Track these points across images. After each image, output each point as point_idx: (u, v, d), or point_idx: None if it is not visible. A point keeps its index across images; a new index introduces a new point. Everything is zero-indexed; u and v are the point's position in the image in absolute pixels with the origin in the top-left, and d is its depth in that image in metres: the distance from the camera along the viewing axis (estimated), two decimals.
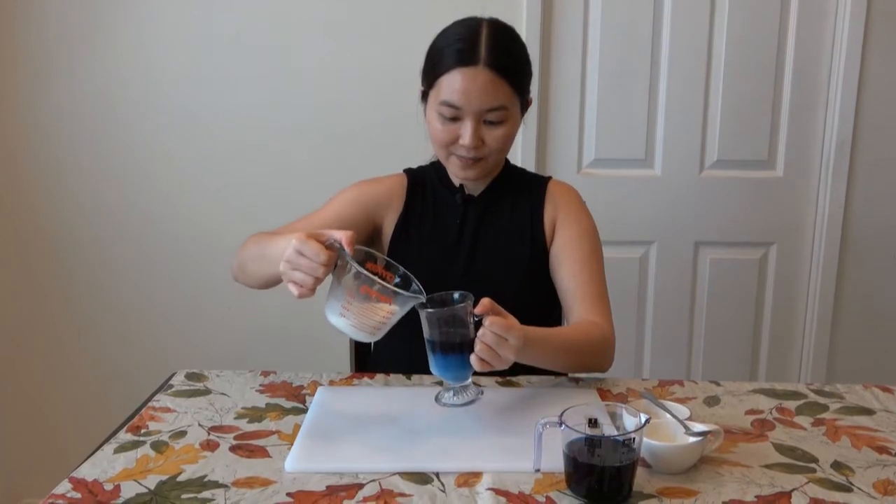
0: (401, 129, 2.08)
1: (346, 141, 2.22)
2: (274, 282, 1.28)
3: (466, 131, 1.29)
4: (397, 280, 1.07)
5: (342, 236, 1.06)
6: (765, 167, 2.26)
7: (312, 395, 1.25)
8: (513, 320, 1.08)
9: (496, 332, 1.05)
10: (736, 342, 2.35)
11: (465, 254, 1.40)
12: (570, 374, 1.40)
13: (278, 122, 2.22)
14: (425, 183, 1.46)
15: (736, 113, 2.22)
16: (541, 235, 1.41)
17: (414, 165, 1.50)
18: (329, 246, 1.06)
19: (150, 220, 2.28)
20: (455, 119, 1.30)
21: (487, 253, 1.40)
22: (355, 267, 1.02)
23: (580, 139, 2.25)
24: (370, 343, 1.60)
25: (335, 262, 1.06)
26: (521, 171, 1.50)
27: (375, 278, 1.02)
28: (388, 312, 1.05)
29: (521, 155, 2.19)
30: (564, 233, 1.40)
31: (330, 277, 1.08)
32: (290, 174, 2.21)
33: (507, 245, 1.41)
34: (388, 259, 1.10)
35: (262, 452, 1.06)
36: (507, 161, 1.46)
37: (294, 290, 1.07)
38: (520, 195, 1.44)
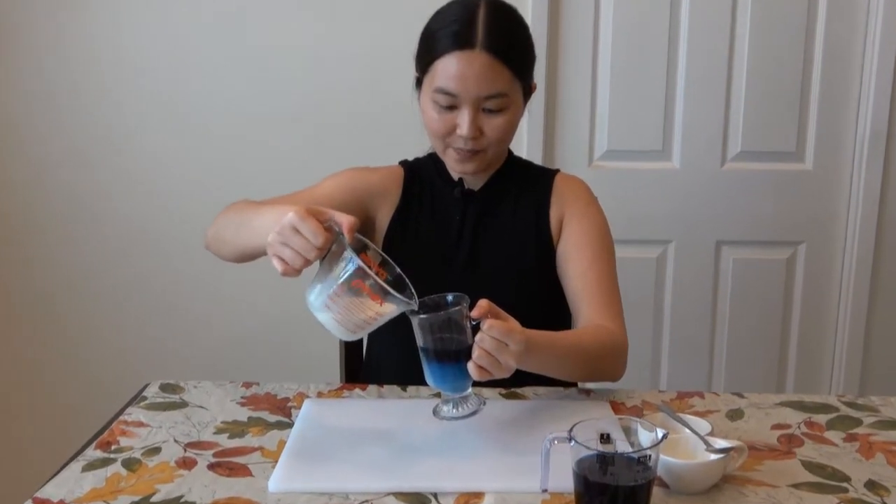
0: (395, 119, 2.08)
1: (335, 132, 2.22)
2: (251, 254, 1.26)
3: (464, 120, 1.29)
4: (389, 280, 1.06)
5: (344, 220, 1.06)
6: (793, 159, 2.27)
7: (299, 408, 1.25)
8: (513, 323, 1.08)
9: (495, 336, 1.05)
10: (761, 350, 2.35)
11: (464, 253, 1.40)
12: (580, 386, 1.41)
13: (262, 113, 2.22)
14: (422, 176, 1.46)
15: (761, 100, 2.22)
16: (547, 233, 1.41)
17: (410, 157, 1.50)
18: (328, 228, 1.05)
19: (122, 216, 2.28)
20: (451, 107, 1.30)
21: (489, 252, 1.40)
22: (353, 258, 1.01)
23: (591, 129, 2.25)
24: (362, 352, 1.60)
25: (330, 247, 1.05)
26: (526, 164, 1.50)
27: (371, 273, 1.01)
28: (377, 313, 1.04)
29: (527, 146, 2.19)
30: (573, 230, 1.40)
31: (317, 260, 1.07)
32: (276, 169, 2.21)
33: (510, 243, 1.41)
34: (384, 255, 1.09)
35: (243, 471, 1.06)
36: (510, 153, 1.46)
37: (279, 266, 1.06)
38: (524, 189, 1.44)
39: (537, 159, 2.15)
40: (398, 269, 1.08)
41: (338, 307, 1.03)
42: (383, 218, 1.43)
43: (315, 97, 2.21)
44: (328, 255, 1.05)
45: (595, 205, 1.45)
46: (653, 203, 2.27)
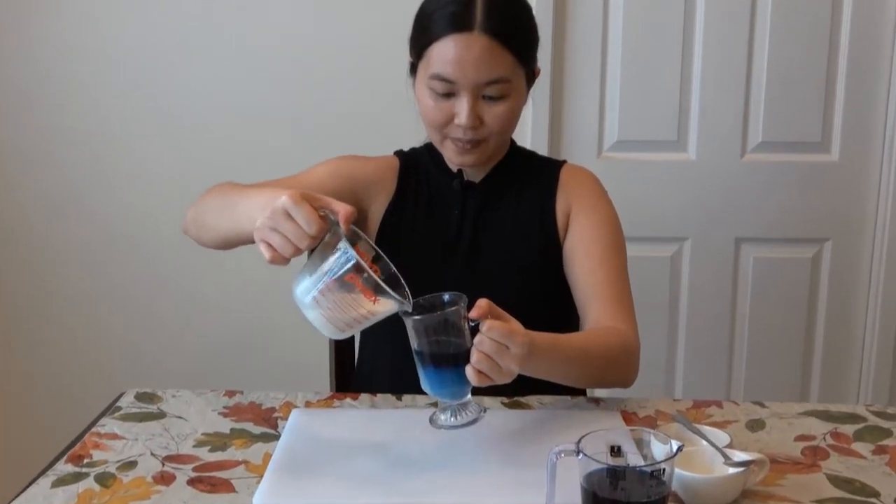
0: (389, 109, 2.07)
1: (325, 123, 2.21)
2: (235, 240, 1.25)
3: (462, 109, 1.29)
4: (382, 278, 1.06)
5: (341, 209, 1.05)
6: (818, 150, 2.27)
7: (286, 418, 1.25)
8: (515, 324, 1.08)
9: (495, 338, 1.04)
10: (784, 356, 2.35)
11: (463, 250, 1.40)
12: (588, 394, 1.41)
13: (248, 105, 2.22)
14: (419, 167, 1.46)
15: (784, 86, 2.22)
16: (552, 228, 1.41)
17: (405, 148, 1.50)
18: (322, 216, 1.05)
19: (94, 214, 2.28)
20: (449, 95, 1.30)
21: (490, 249, 1.40)
22: (348, 250, 1.01)
23: (600, 117, 2.25)
24: (354, 358, 1.60)
25: (323, 237, 1.05)
26: (530, 155, 1.50)
27: (367, 268, 1.01)
28: (369, 312, 1.04)
29: (531, 136, 2.19)
30: (580, 224, 1.40)
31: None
32: (262, 163, 2.17)
33: (512, 239, 1.41)
34: (378, 250, 1.09)
35: (226, 486, 1.06)
36: (512, 142, 1.46)
37: (266, 253, 1.06)
38: (528, 182, 1.44)
39: (542, 150, 2.15)
40: (393, 267, 1.08)
41: (328, 303, 1.03)
42: (377, 210, 1.43)
43: (303, 85, 2.21)
44: (320, 245, 1.05)
45: (604, 198, 1.45)
46: (667, 197, 2.27)
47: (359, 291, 1.02)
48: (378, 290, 1.02)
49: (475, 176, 1.43)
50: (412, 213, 1.43)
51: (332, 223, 1.05)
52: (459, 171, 1.42)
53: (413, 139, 1.49)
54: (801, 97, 2.23)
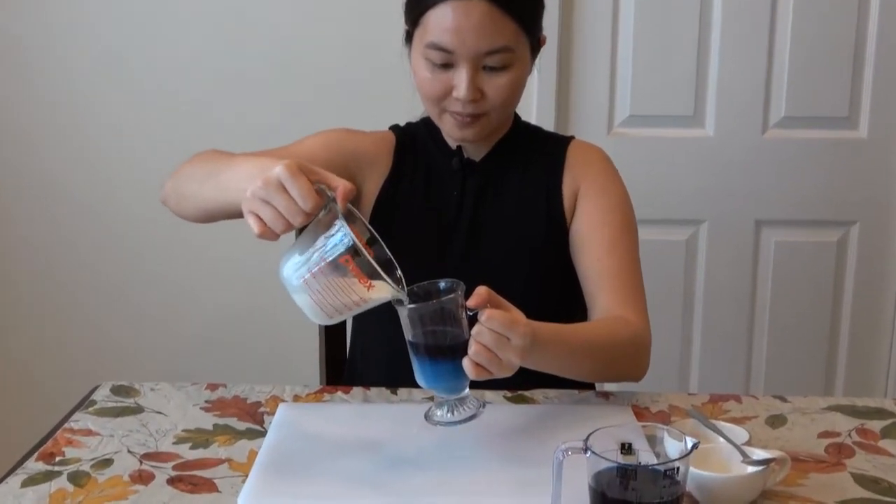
0: (382, 80, 2.06)
1: (313, 97, 2.21)
2: (218, 213, 1.24)
3: (461, 80, 1.29)
4: (376, 261, 1.06)
5: (339, 185, 1.05)
6: (845, 126, 2.26)
7: (272, 414, 1.25)
8: (516, 314, 1.08)
9: (495, 329, 1.04)
10: (807, 347, 2.36)
11: (463, 233, 1.40)
12: (597, 388, 1.41)
13: (228, 75, 2.22)
14: (415, 144, 1.45)
15: (809, 56, 2.21)
16: (559, 210, 1.41)
17: (401, 123, 1.50)
18: (318, 191, 1.04)
19: (66, 191, 2.28)
20: (447, 66, 1.30)
21: (492, 232, 1.40)
22: (344, 229, 1.00)
23: (611, 90, 2.25)
24: (345, 348, 1.60)
25: (318, 213, 1.05)
26: (535, 130, 1.50)
27: (363, 251, 1.01)
28: (361, 299, 1.04)
29: (536, 110, 2.19)
30: (589, 206, 1.40)
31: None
32: (244, 138, 2.19)
33: (516, 222, 1.41)
34: (374, 233, 1.09)
35: (208, 486, 1.06)
36: (516, 117, 1.46)
37: (255, 227, 1.05)
38: (533, 160, 1.44)
39: (548, 125, 2.14)
40: (388, 252, 1.08)
41: (318, 285, 1.03)
42: (370, 189, 1.42)
43: (290, 55, 2.21)
44: (313, 222, 1.05)
45: (615, 178, 1.44)
46: (682, 177, 2.27)
47: (352, 275, 1.02)
48: (373, 276, 1.01)
49: (476, 153, 1.43)
50: (408, 194, 1.43)
51: (328, 199, 1.05)
52: (459, 148, 1.42)
53: (409, 113, 1.48)
54: (827, 68, 2.22)
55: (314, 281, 1.03)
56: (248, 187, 1.05)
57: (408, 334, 1.07)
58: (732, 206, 2.29)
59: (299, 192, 1.02)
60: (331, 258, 1.02)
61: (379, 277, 1.01)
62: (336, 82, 2.21)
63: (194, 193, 1.26)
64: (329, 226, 1.03)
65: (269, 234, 1.05)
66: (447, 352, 1.06)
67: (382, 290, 1.04)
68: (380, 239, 1.08)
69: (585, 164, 1.44)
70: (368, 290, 1.03)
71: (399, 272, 1.07)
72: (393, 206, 1.42)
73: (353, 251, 1.00)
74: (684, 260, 2.32)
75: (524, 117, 1.48)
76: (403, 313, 1.06)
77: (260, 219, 1.04)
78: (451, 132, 1.37)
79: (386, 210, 1.42)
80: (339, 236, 1.01)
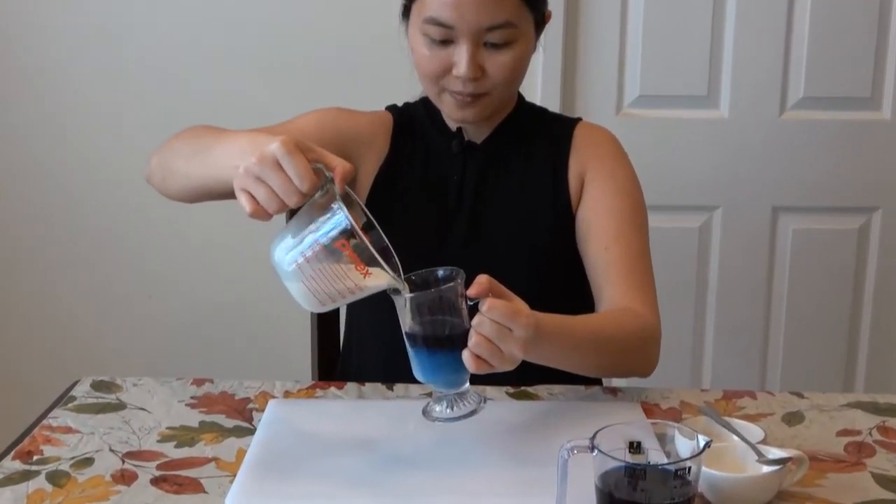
0: (378, 59, 2.06)
1: (306, 76, 2.20)
2: (206, 191, 1.23)
3: (461, 57, 1.29)
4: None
5: (338, 165, 1.05)
6: (867, 107, 2.26)
7: (262, 410, 1.25)
8: (519, 304, 1.08)
9: (497, 319, 1.04)
10: (826, 341, 2.36)
11: (464, 220, 1.40)
12: (604, 384, 1.41)
13: (212, 49, 2.21)
14: (413, 125, 1.45)
15: (829, 34, 2.21)
16: (565, 195, 1.41)
17: (398, 103, 1.49)
18: (315, 170, 1.04)
19: (43, 180, 2.27)
20: (446, 42, 1.30)
21: (494, 219, 1.40)
22: (342, 212, 1.00)
23: (620, 69, 2.25)
24: (339, 341, 1.60)
25: (313, 194, 1.04)
26: (540, 112, 1.50)
27: (361, 235, 1.00)
28: (356, 286, 1.04)
29: (541, 90, 2.18)
30: (596, 192, 1.40)
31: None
32: (230, 118, 2.19)
33: (519, 208, 1.41)
34: (371, 218, 1.08)
35: (194, 486, 1.07)
36: (520, 97, 1.46)
37: (248, 205, 1.05)
38: (537, 142, 1.44)
39: (554, 106, 2.15)
40: (385, 239, 1.08)
41: (311, 270, 1.03)
42: (366, 173, 1.42)
43: (281, 30, 2.20)
44: (307, 203, 1.05)
45: (624, 161, 1.44)
46: (695, 160, 2.27)
47: (348, 261, 1.02)
48: (371, 262, 1.01)
49: (477, 135, 1.43)
50: (406, 178, 1.42)
51: (325, 180, 1.04)
52: (459, 129, 1.42)
53: (407, 93, 1.48)
54: (848, 46, 2.22)
55: (307, 266, 1.03)
56: (239, 164, 1.05)
57: (405, 325, 1.07)
58: (748, 192, 2.29)
59: (296, 171, 1.02)
60: (326, 242, 1.02)
61: (376, 264, 1.01)
62: (330, 61, 2.20)
63: (181, 169, 1.25)
64: (325, 208, 1.03)
65: (261, 213, 1.05)
66: (446, 344, 1.06)
67: (379, 278, 1.04)
68: (377, 225, 1.08)
69: (593, 147, 1.44)
70: (365, 277, 1.03)
71: (396, 260, 1.07)
72: (389, 192, 1.42)
73: (349, 236, 1.00)
74: (697, 248, 2.32)
75: (528, 97, 1.48)
76: (400, 303, 1.06)
77: (252, 197, 1.04)
78: (451, 113, 1.37)
79: (382, 195, 1.41)
80: (336, 219, 1.01)
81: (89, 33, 2.21)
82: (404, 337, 1.08)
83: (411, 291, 1.05)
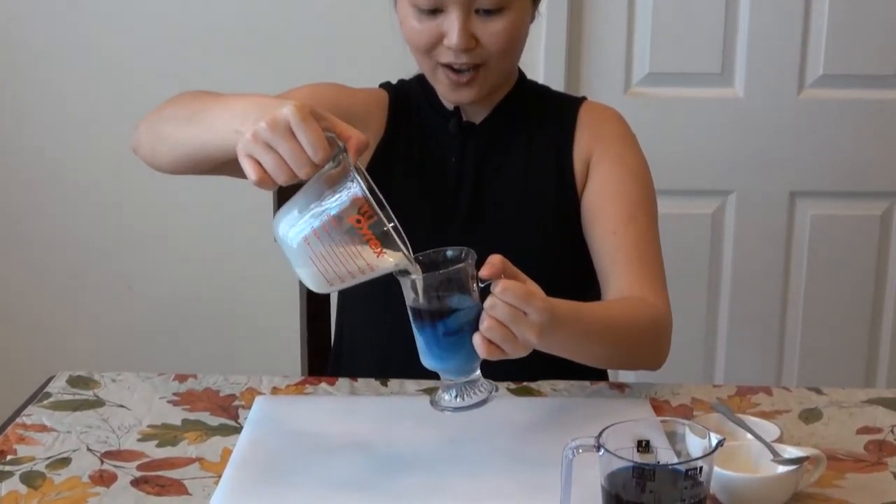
0: (369, 36, 2.06)
1: (291, 52, 2.20)
2: (202, 159, 1.20)
3: (452, 26, 1.29)
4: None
5: (353, 136, 1.03)
6: (891, 84, 2.26)
7: (248, 407, 1.25)
8: (533, 286, 1.07)
9: (511, 302, 1.04)
10: (846, 333, 2.37)
11: (465, 204, 1.40)
12: (611, 378, 1.41)
13: (192, 28, 2.20)
14: (410, 104, 1.45)
15: (850, 8, 2.21)
16: (569, 178, 1.41)
17: (392, 81, 1.49)
18: (329, 140, 1.02)
19: (13, 168, 2.27)
20: (435, 11, 1.30)
21: (495, 203, 1.41)
22: (357, 184, 0.99)
23: (628, 45, 2.24)
24: (329, 334, 1.60)
25: (325, 165, 1.03)
26: (543, 90, 1.50)
27: (378, 211, 0.99)
28: (368, 266, 1.02)
29: (544, 68, 2.18)
30: (602, 175, 1.40)
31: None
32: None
33: (522, 192, 1.41)
34: (381, 196, 1.06)
35: (177, 488, 1.07)
36: (521, 74, 1.45)
37: (254, 173, 1.03)
38: (540, 122, 1.44)
39: (559, 85, 2.14)
40: (395, 219, 1.06)
41: (321, 247, 1.01)
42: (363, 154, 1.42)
43: (266, 7, 2.19)
44: (316, 174, 1.03)
45: (632, 143, 1.45)
46: (708, 142, 2.27)
47: (363, 239, 1.01)
48: (386, 241, 1.00)
49: (475, 115, 1.43)
50: (403, 160, 1.42)
51: (338, 150, 1.03)
52: (457, 108, 1.42)
53: (399, 70, 1.48)
54: (871, 20, 2.22)
55: (317, 241, 1.01)
56: (240, 127, 1.03)
57: (411, 309, 1.07)
58: (764, 176, 2.29)
59: (309, 140, 1.01)
60: (340, 218, 1.00)
61: (391, 243, 1.00)
62: (321, 40, 2.19)
63: (173, 135, 1.23)
64: (337, 181, 1.01)
65: (267, 182, 1.03)
66: (456, 328, 1.05)
67: (392, 258, 1.03)
68: (387, 205, 1.06)
69: (599, 127, 1.44)
70: (378, 256, 1.02)
71: (407, 242, 1.06)
72: (386, 174, 1.41)
73: (367, 210, 0.99)
74: (710, 236, 2.32)
75: (530, 75, 1.48)
76: (408, 284, 1.05)
77: (259, 165, 1.03)
78: (446, 92, 1.37)
79: (379, 176, 1.40)
80: (352, 193, 1.00)
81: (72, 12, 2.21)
82: (411, 321, 1.07)
83: (418, 274, 1.04)
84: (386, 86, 1.48)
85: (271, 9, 2.20)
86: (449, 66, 1.33)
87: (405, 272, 1.04)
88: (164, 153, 1.26)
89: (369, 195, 0.99)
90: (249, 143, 1.03)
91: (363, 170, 1.06)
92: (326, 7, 2.19)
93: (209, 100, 1.19)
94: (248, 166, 1.03)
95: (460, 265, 1.04)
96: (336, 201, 1.01)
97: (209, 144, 1.16)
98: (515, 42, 1.35)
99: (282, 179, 1.02)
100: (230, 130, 1.07)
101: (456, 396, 1.08)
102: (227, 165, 1.13)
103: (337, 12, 2.19)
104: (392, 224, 1.03)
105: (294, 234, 1.03)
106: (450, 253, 1.06)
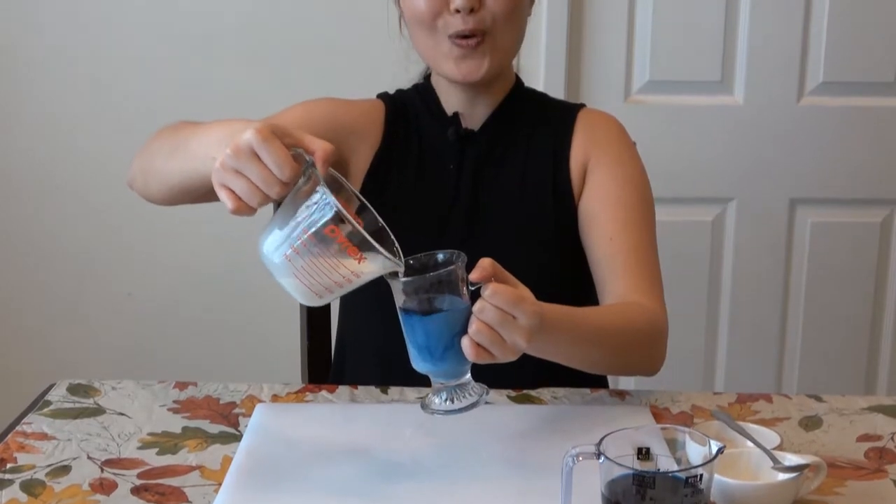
0: (367, 43, 2.06)
1: (289, 62, 2.20)
2: (188, 189, 1.22)
3: None
4: (369, 232, 1.05)
5: (318, 147, 1.04)
6: (891, 92, 2.26)
7: (248, 415, 1.26)
8: (524, 290, 1.07)
9: (500, 305, 1.04)
10: (846, 340, 2.37)
11: (462, 211, 1.40)
12: (611, 386, 1.41)
13: (186, 32, 2.20)
14: (407, 113, 1.46)
15: (850, 15, 2.21)
16: (566, 184, 1.42)
17: (391, 91, 1.50)
18: (295, 156, 1.03)
19: (21, 167, 2.28)
20: None
21: (493, 209, 1.41)
22: (327, 197, 1.00)
23: (629, 53, 2.25)
24: (330, 342, 1.60)
25: (296, 181, 1.04)
26: (541, 97, 1.50)
27: (351, 220, 1.00)
28: (353, 273, 1.03)
29: (544, 75, 2.18)
30: (599, 181, 1.40)
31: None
32: (208, 108, 2.19)
33: (519, 198, 1.41)
34: (363, 199, 1.08)
35: (177, 496, 1.07)
36: (518, 80, 1.46)
37: (229, 202, 1.04)
38: (537, 129, 1.44)
39: (558, 92, 2.15)
40: (380, 220, 1.07)
41: (302, 262, 1.02)
42: (359, 164, 1.43)
43: (265, 15, 2.20)
44: (292, 191, 1.04)
45: (630, 149, 1.45)
46: (708, 149, 2.27)
47: (341, 247, 1.01)
48: (364, 247, 1.01)
49: (474, 121, 1.43)
50: (400, 170, 1.43)
51: (306, 165, 1.04)
52: (455, 116, 1.42)
53: (397, 80, 1.48)
54: (871, 27, 2.22)
55: (297, 257, 1.02)
56: (217, 155, 1.04)
57: (401, 312, 1.07)
58: (764, 183, 2.29)
59: (274, 159, 1.02)
60: (315, 230, 1.01)
61: (370, 247, 1.00)
62: (319, 48, 2.20)
63: (161, 169, 1.26)
64: (309, 194, 1.02)
65: (244, 209, 1.04)
66: (446, 331, 1.06)
67: (375, 264, 1.03)
68: (370, 206, 1.07)
69: (596, 134, 1.44)
70: (359, 262, 1.02)
71: (394, 240, 1.06)
72: (384, 183, 1.42)
73: (338, 220, 1.00)
74: (710, 243, 2.32)
75: (530, 82, 1.48)
76: (397, 287, 1.06)
77: (233, 192, 1.04)
78: (452, 70, 1.35)
79: (376, 186, 1.42)
80: (322, 204, 1.00)
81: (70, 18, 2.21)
82: (402, 325, 1.08)
83: (409, 275, 1.05)
84: (383, 96, 1.49)
85: (271, 18, 2.20)
86: (455, 37, 1.33)
87: (395, 275, 1.05)
88: (154, 187, 1.29)
89: (338, 203, 0.99)
90: (220, 172, 1.04)
91: (341, 177, 1.07)
92: (325, 17, 2.19)
93: (189, 131, 1.22)
94: (223, 196, 1.05)
95: (450, 268, 1.04)
96: (309, 215, 1.02)
97: (195, 174, 1.18)
98: (517, 14, 1.35)
99: (255, 203, 1.04)
100: (208, 158, 1.08)
101: (446, 400, 1.08)
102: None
103: (336, 22, 2.19)
104: (373, 228, 1.04)
105: (276, 252, 1.04)
106: (441, 256, 1.06)
